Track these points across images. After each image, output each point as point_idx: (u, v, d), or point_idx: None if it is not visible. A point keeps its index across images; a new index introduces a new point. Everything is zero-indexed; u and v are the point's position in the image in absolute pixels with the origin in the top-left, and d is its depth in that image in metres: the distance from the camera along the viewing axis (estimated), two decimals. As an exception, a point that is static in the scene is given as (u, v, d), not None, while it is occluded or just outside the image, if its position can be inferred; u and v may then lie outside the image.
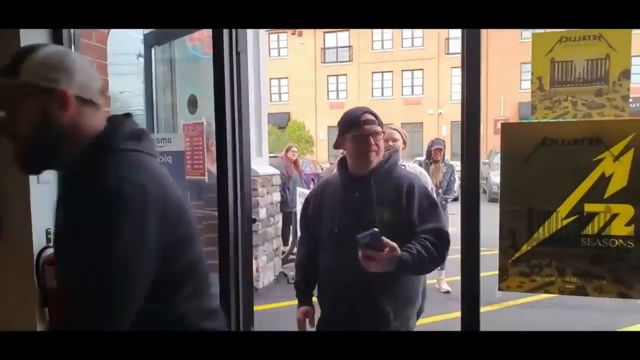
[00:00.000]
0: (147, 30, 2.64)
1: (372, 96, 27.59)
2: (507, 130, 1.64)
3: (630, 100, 1.54)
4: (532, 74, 1.58)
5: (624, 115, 1.51)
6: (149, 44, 2.48)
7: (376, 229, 1.58)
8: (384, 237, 1.60)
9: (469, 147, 1.65)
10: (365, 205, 1.79)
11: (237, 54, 1.92)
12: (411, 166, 3.64)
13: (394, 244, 1.63)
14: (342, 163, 1.89)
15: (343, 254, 1.74)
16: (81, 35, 2.20)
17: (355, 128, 1.79)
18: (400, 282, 1.82)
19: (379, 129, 1.82)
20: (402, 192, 1.81)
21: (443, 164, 5.32)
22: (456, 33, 24.50)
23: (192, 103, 2.41)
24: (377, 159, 1.83)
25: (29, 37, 1.95)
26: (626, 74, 1.50)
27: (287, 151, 6.83)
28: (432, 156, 5.31)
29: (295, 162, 6.78)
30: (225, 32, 1.89)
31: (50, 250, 1.97)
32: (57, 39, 2.05)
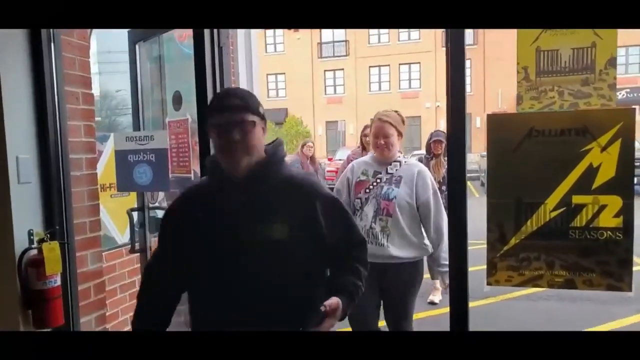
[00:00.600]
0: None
1: (370, 90, 27.53)
2: (494, 122, 1.61)
3: (628, 90, 1.51)
4: (518, 63, 1.55)
5: (611, 104, 1.47)
6: (133, 40, 2.44)
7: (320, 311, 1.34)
8: (322, 306, 1.35)
9: (455, 141, 1.62)
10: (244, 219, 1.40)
11: (220, 48, 1.89)
12: (411, 162, 3.16)
13: (332, 302, 1.37)
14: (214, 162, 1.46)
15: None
16: (61, 33, 2.16)
17: (215, 115, 1.41)
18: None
19: (249, 117, 1.39)
20: (296, 199, 1.43)
21: (445, 158, 4.71)
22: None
23: (177, 100, 2.37)
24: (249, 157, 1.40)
25: (6, 35, 1.92)
26: (612, 62, 1.46)
27: (302, 147, 6.74)
28: (432, 150, 4.72)
29: (312, 158, 6.68)
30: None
31: (33, 252, 1.95)
32: (35, 38, 2.02)
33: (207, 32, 1.84)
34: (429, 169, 3.63)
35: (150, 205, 2.52)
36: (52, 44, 2.07)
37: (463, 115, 1.63)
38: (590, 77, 1.49)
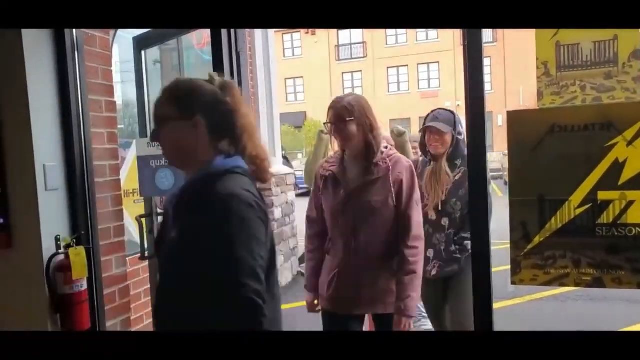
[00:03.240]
0: (136, 33, 2.63)
1: (388, 91, 27.41)
2: (514, 118, 1.59)
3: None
4: (538, 59, 1.52)
5: (636, 97, 1.43)
6: (138, 47, 2.47)
7: None
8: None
9: (474, 141, 1.60)
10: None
11: (237, 53, 1.91)
12: None
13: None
14: None
15: None
16: (85, 43, 2.22)
17: None
18: None
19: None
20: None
21: (458, 168, 2.48)
22: (471, 24, 24.10)
23: None
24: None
25: (32, 45, 1.98)
26: (636, 54, 1.42)
27: None
28: (428, 147, 2.55)
29: None
30: (224, 32, 1.88)
31: (61, 257, 1.99)
32: (60, 48, 2.07)
33: (225, 37, 1.86)
34: (420, 181, 2.38)
35: (159, 211, 2.54)
36: (76, 54, 2.12)
37: (483, 119, 1.61)
38: (613, 70, 1.45)
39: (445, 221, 2.46)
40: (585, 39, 1.46)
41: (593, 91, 1.48)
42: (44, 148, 2.00)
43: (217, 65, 1.86)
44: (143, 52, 2.50)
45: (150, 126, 2.50)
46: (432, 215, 2.48)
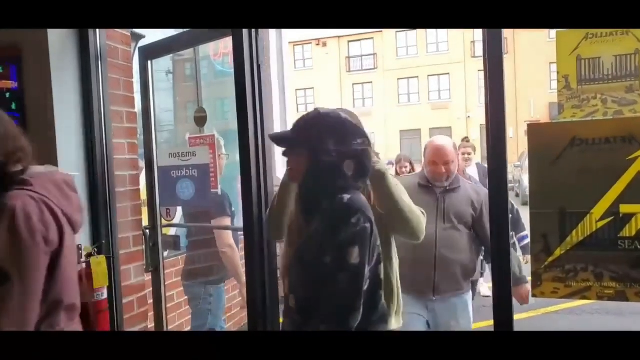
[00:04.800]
0: (141, 45, 2.64)
1: (399, 102, 27.45)
2: (535, 131, 1.60)
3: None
4: (558, 72, 1.53)
5: (658, 111, 1.44)
6: (144, 57, 2.48)
7: None
8: None
9: (495, 155, 1.60)
10: None
11: (258, 66, 1.94)
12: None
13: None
14: None
15: None
16: (107, 55, 2.27)
17: None
18: None
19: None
20: None
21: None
22: (482, 36, 24.16)
23: (201, 117, 2.40)
24: None
25: (58, 56, 2.03)
26: (658, 68, 1.43)
27: None
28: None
29: None
30: (246, 45, 1.91)
31: (82, 266, 2.02)
32: (84, 60, 2.12)
33: (246, 51, 1.89)
34: None
35: (165, 222, 2.52)
36: (100, 65, 2.17)
37: (503, 125, 1.61)
38: (634, 84, 1.46)
39: None
40: (606, 53, 1.47)
41: (614, 104, 1.48)
42: (67, 157, 2.04)
43: (239, 77, 1.89)
44: (149, 63, 2.50)
45: (155, 136, 2.48)
46: None
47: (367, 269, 1.44)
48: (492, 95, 1.59)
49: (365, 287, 1.44)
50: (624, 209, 1.49)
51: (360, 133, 1.55)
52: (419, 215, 1.81)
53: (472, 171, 4.56)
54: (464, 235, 2.48)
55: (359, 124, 1.62)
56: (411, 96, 27.49)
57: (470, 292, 2.65)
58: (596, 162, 1.50)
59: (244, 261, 2.04)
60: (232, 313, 4.11)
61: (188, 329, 3.48)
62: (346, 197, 1.45)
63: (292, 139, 1.56)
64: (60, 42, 2.05)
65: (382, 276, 1.56)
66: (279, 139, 1.60)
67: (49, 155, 1.97)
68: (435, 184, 2.52)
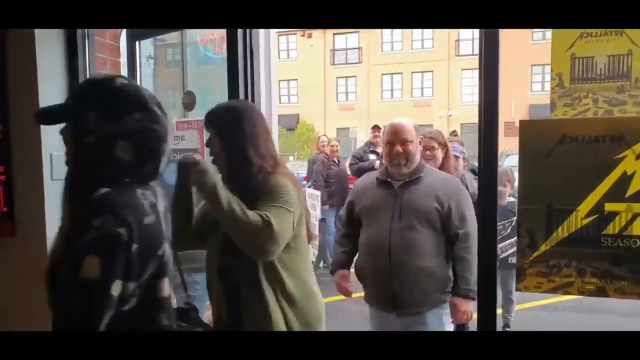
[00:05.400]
0: None
1: (382, 98, 27.55)
2: (526, 127, 1.62)
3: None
4: (552, 70, 1.55)
5: (647, 112, 1.47)
6: (132, 37, 2.42)
7: None
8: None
9: (486, 152, 1.62)
10: None
11: (251, 51, 1.92)
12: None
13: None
14: None
15: None
16: (95, 34, 2.21)
17: None
18: None
19: None
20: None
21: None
22: (466, 35, 24.43)
23: (190, 101, 2.38)
24: None
25: (43, 35, 1.97)
26: (649, 70, 1.47)
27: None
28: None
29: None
30: (240, 30, 1.89)
31: (64, 248, 1.97)
32: (70, 38, 2.07)
33: (240, 35, 1.87)
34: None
35: None
36: (87, 44, 2.12)
37: (496, 125, 1.64)
38: (625, 84, 1.49)
39: None
40: (600, 52, 1.50)
41: (605, 104, 1.51)
42: (52, 137, 1.99)
43: (232, 63, 1.87)
44: (137, 44, 2.44)
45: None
46: None
47: (132, 286, 1.10)
48: (485, 95, 1.61)
49: (127, 307, 1.11)
50: (609, 207, 1.53)
51: (139, 106, 1.16)
52: (253, 229, 1.44)
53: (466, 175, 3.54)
54: (428, 236, 2.04)
55: (149, 97, 1.18)
56: (394, 92, 27.62)
57: (448, 308, 2.12)
58: (585, 160, 1.53)
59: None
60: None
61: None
62: (102, 191, 1.11)
63: (59, 113, 1.20)
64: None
65: (163, 295, 1.19)
66: (45, 113, 1.24)
67: (31, 133, 1.92)
68: (394, 176, 2.15)
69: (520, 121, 1.62)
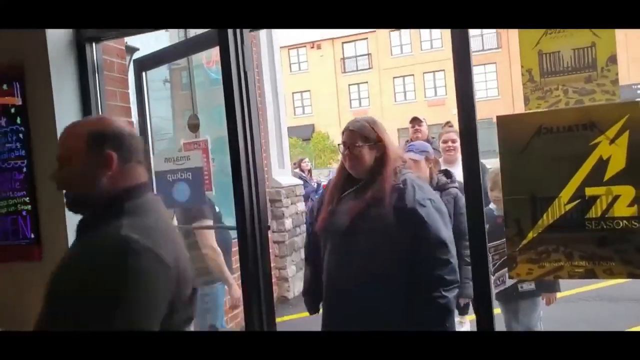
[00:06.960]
0: (135, 57, 2.75)
1: (395, 100, 27.54)
2: (503, 122, 1.70)
3: None
4: (522, 66, 1.64)
5: (615, 99, 1.54)
6: (138, 69, 2.62)
7: None
8: None
9: (468, 149, 1.71)
10: None
11: (245, 73, 2.04)
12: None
13: None
14: None
15: None
16: (104, 68, 2.38)
17: None
18: None
19: None
20: None
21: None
22: (474, 30, 24.27)
23: (194, 126, 2.53)
24: None
25: (58, 69, 2.14)
26: (613, 59, 1.54)
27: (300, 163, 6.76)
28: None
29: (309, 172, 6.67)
30: (232, 52, 2.01)
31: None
32: (82, 69, 2.24)
33: (233, 59, 2.00)
34: None
35: None
36: (97, 79, 2.29)
37: (474, 123, 1.73)
38: (592, 74, 1.56)
39: None
40: (565, 47, 1.58)
41: (575, 94, 1.59)
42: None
43: (227, 84, 2.00)
44: (144, 74, 2.63)
45: (152, 145, 2.63)
46: None
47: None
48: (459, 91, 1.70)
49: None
50: (589, 191, 1.59)
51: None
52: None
53: (458, 171, 2.45)
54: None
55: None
56: (407, 94, 27.58)
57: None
58: (562, 148, 1.60)
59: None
60: (233, 313, 4.20)
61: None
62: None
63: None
64: (59, 58, 2.17)
65: None
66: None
67: (52, 166, 2.08)
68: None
69: (497, 116, 1.70)
